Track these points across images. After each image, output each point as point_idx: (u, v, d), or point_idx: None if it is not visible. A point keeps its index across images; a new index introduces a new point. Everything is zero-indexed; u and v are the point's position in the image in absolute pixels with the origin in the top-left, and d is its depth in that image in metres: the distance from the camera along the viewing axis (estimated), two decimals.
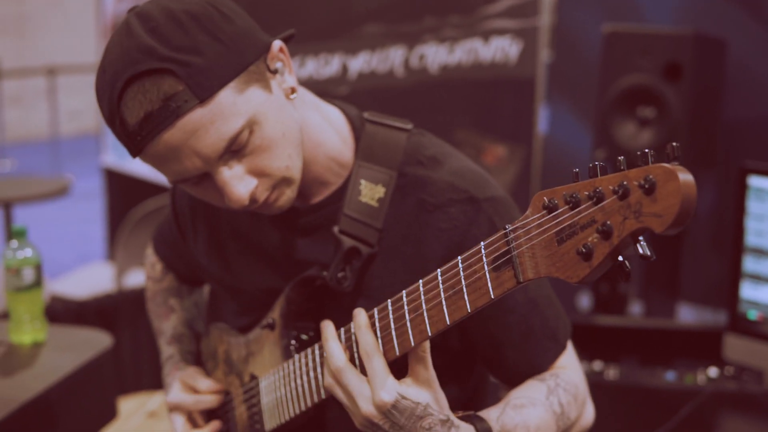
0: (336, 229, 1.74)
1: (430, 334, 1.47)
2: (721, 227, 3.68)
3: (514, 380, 1.77)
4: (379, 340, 1.55)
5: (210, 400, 1.97)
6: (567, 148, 4.26)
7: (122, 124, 1.53)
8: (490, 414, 1.64)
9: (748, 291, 2.91)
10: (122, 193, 6.61)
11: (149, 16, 1.53)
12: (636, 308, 3.73)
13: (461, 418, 1.60)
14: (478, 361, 1.84)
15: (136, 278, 5.26)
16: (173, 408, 2.00)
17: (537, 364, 1.76)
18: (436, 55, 3.94)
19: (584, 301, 3.84)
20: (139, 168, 6.23)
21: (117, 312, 4.42)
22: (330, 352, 1.60)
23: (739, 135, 3.73)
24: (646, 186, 1.12)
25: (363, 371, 1.58)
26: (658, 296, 3.63)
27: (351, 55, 4.03)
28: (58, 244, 8.98)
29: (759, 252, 2.87)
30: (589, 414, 1.84)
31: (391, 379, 1.53)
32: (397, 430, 1.54)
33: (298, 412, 1.75)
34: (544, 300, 1.76)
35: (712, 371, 3.05)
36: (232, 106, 1.53)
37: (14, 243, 2.55)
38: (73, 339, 2.68)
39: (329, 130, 1.76)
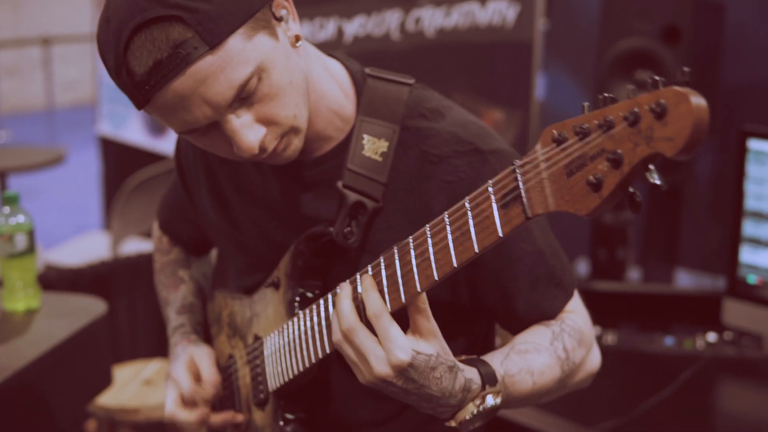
0: (340, 183, 1.72)
1: (437, 278, 1.45)
2: (720, 192, 3.66)
3: (523, 329, 1.78)
4: (386, 289, 1.53)
5: (206, 394, 1.95)
6: (564, 114, 4.22)
7: (129, 75, 1.49)
8: (494, 358, 1.64)
9: (747, 255, 2.89)
10: (118, 162, 6.59)
11: None
12: (634, 274, 3.72)
13: (465, 362, 1.59)
14: (488, 314, 1.84)
15: (132, 246, 5.25)
16: (172, 380, 1.98)
17: (546, 311, 1.76)
18: (432, 19, 3.91)
19: (582, 266, 3.83)
20: (135, 137, 6.21)
21: (113, 280, 4.41)
22: (343, 312, 1.56)
23: (738, 98, 3.71)
24: (657, 110, 1.10)
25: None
26: (657, 262, 3.61)
27: (346, 18, 4.00)
28: (54, 213, 8.97)
29: (758, 216, 2.85)
30: (595, 358, 1.84)
31: (404, 337, 1.51)
32: (409, 385, 1.52)
33: (301, 369, 1.74)
34: (549, 249, 1.75)
35: (711, 336, 3.04)
36: (241, 53, 1.50)
37: (6, 209, 2.53)
38: (67, 306, 2.67)
39: (332, 83, 1.75)
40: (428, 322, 1.53)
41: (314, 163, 1.77)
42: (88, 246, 5.63)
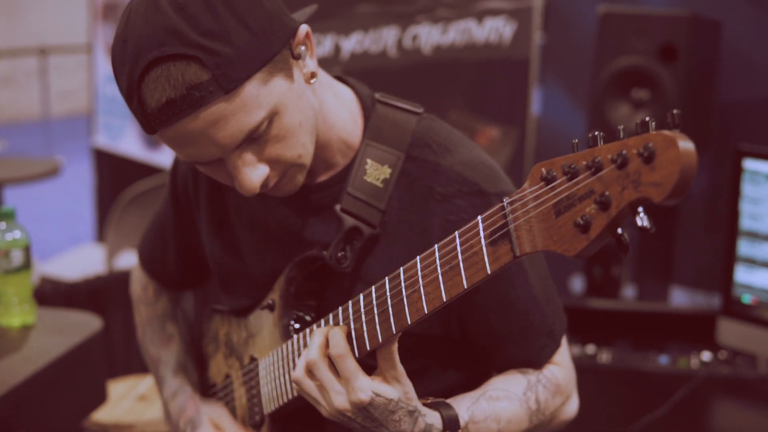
0: (338, 207, 1.72)
1: (426, 311, 1.45)
2: (715, 210, 3.67)
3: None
4: (376, 318, 1.54)
5: None
6: (561, 130, 4.24)
7: (140, 104, 1.49)
8: (462, 402, 1.66)
9: (742, 275, 2.90)
10: (112, 174, 6.57)
11: None
12: (629, 292, 3.72)
13: (429, 405, 1.62)
14: (476, 351, 1.83)
15: (127, 260, 5.24)
16: None
17: (534, 360, 1.77)
18: (429, 36, 3.92)
19: (577, 284, 3.83)
20: (131, 149, 6.21)
21: (107, 294, 4.40)
22: (310, 345, 1.59)
23: (734, 117, 3.71)
24: (645, 154, 1.10)
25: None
26: (652, 280, 3.62)
27: (343, 35, 4.01)
28: (48, 224, 8.96)
29: (753, 235, 2.85)
30: (571, 409, 1.85)
31: (364, 378, 1.54)
32: (368, 423, 1.56)
33: (296, 393, 1.74)
34: (544, 296, 1.75)
35: (706, 355, 3.05)
36: (256, 99, 1.50)
37: (2, 225, 2.52)
38: (63, 322, 2.67)
39: (342, 111, 1.74)
40: (394, 369, 1.56)
41: (318, 188, 1.77)
42: (83, 258, 5.63)
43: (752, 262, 2.87)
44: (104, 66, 6.44)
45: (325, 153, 1.73)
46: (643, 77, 3.44)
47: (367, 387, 1.53)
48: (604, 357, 3.06)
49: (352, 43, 4.01)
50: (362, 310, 1.57)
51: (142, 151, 6.10)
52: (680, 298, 3.73)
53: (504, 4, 3.84)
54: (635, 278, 3.74)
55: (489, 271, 1.35)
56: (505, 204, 1.31)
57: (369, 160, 1.73)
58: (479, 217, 1.37)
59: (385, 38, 3.97)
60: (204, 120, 1.48)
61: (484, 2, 3.86)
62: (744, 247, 2.88)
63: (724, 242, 2.97)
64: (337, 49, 4.03)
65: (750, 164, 2.86)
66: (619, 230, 1.17)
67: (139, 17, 1.48)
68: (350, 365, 1.54)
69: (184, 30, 1.44)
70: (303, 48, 1.59)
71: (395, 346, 1.54)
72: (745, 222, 2.88)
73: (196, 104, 1.46)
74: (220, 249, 1.95)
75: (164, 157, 5.82)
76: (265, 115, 1.52)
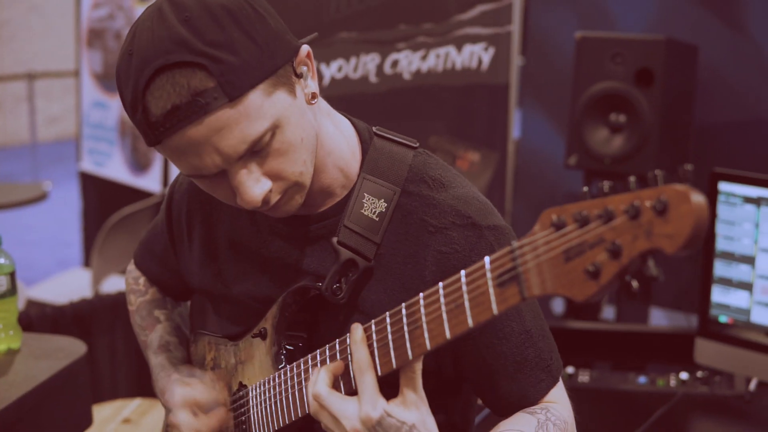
0: (335, 240, 1.74)
1: (429, 347, 1.48)
2: None
3: (505, 410, 1.77)
4: (376, 352, 1.56)
5: (219, 418, 1.91)
6: (540, 154, 4.28)
7: (145, 113, 1.52)
8: None
9: (718, 295, 2.92)
10: (99, 199, 6.57)
11: (183, 5, 1.51)
12: (608, 313, 3.75)
13: None
14: (471, 388, 1.84)
15: (112, 284, 5.25)
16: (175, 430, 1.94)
17: (529, 394, 1.75)
18: (409, 62, 3.94)
19: (557, 305, 3.86)
20: (117, 174, 6.21)
21: (93, 318, 4.40)
22: (313, 379, 1.61)
23: (710, 140, 3.76)
24: (659, 207, 1.14)
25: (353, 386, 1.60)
26: (631, 301, 3.64)
27: (324, 62, 4.04)
28: (36, 249, 8.96)
29: (729, 256, 2.89)
30: None
31: (379, 396, 1.55)
32: None
33: (286, 422, 1.76)
34: (538, 332, 1.75)
35: (684, 375, 3.07)
36: (259, 109, 1.53)
37: None
38: (48, 347, 2.68)
39: (340, 140, 1.77)
40: (414, 392, 1.56)
41: (314, 219, 1.79)
42: (70, 283, 5.63)
43: (728, 282, 2.90)
44: (90, 92, 6.45)
45: (321, 179, 1.74)
46: (621, 101, 3.49)
47: (379, 405, 1.53)
48: (584, 378, 3.09)
49: (333, 70, 4.04)
50: None
51: (128, 176, 6.10)
52: (659, 319, 3.76)
53: (482, 30, 3.87)
54: (614, 299, 3.77)
55: (496, 312, 1.38)
56: (515, 248, 1.34)
57: (366, 194, 1.75)
58: (486, 258, 1.39)
59: (366, 65, 3.99)
60: (208, 127, 1.51)
61: (463, 29, 3.90)
62: (719, 268, 2.92)
63: (700, 264, 3.00)
64: (319, 75, 4.05)
65: (725, 187, 2.90)
66: (627, 277, 1.22)
67: (145, 31, 1.52)
68: (368, 380, 1.55)
69: (190, 39, 1.48)
70: (305, 68, 1.64)
71: (418, 366, 1.55)
72: (721, 243, 2.91)
73: (200, 111, 1.49)
74: (209, 277, 1.96)
75: (150, 181, 5.83)
76: (268, 126, 1.55)
